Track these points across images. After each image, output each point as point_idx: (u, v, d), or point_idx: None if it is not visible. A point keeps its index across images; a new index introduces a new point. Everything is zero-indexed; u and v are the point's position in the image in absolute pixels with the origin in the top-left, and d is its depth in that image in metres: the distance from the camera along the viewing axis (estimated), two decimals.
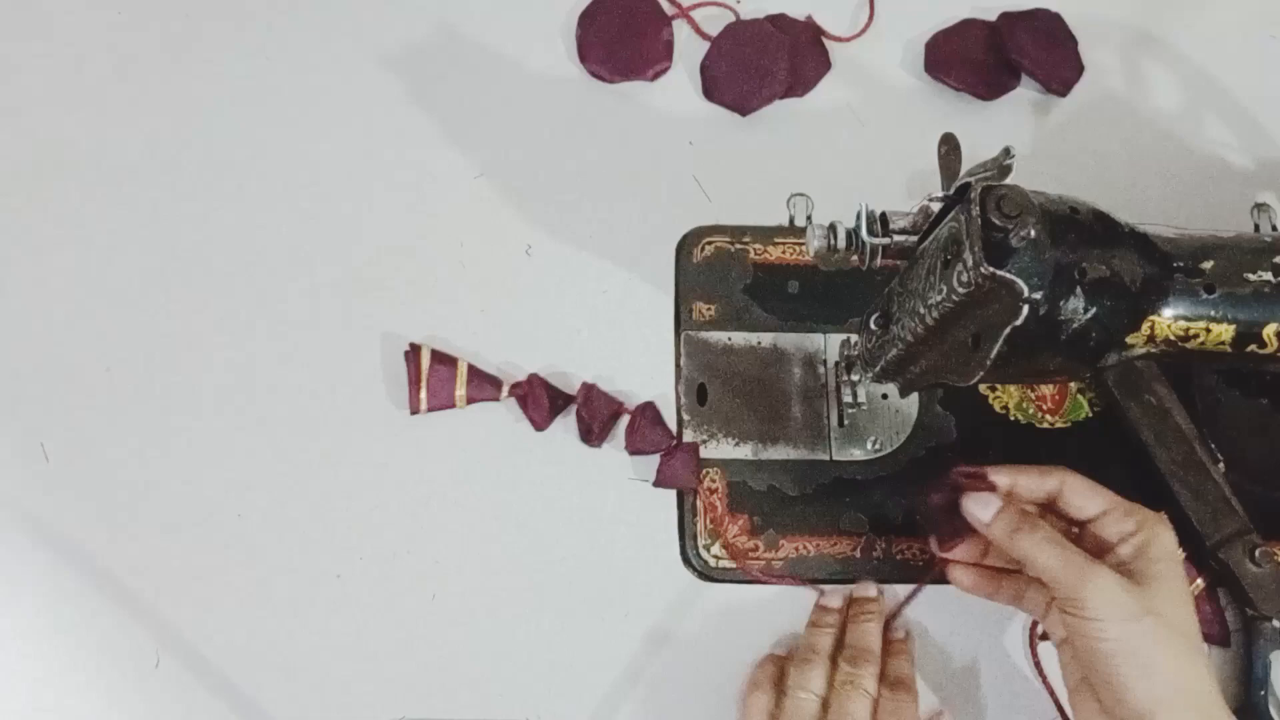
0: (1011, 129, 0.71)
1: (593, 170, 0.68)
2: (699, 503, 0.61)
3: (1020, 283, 0.42)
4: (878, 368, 0.55)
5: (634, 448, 0.61)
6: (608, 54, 0.71)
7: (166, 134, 0.69)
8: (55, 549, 0.60)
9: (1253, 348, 0.48)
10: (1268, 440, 0.61)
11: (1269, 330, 0.48)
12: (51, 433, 0.62)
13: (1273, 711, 0.57)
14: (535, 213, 0.67)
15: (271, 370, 0.63)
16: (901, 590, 0.60)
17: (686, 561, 0.60)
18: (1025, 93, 0.72)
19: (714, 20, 0.73)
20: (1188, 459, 0.59)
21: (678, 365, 0.64)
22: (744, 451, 0.62)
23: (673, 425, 0.62)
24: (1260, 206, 0.59)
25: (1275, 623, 0.58)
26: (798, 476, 0.62)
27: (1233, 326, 0.48)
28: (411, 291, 0.65)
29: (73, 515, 0.60)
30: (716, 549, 0.60)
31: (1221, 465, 0.60)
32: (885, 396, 0.63)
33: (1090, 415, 0.63)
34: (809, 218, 0.53)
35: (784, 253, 0.66)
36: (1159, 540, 0.50)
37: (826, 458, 0.62)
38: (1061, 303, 0.45)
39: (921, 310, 0.48)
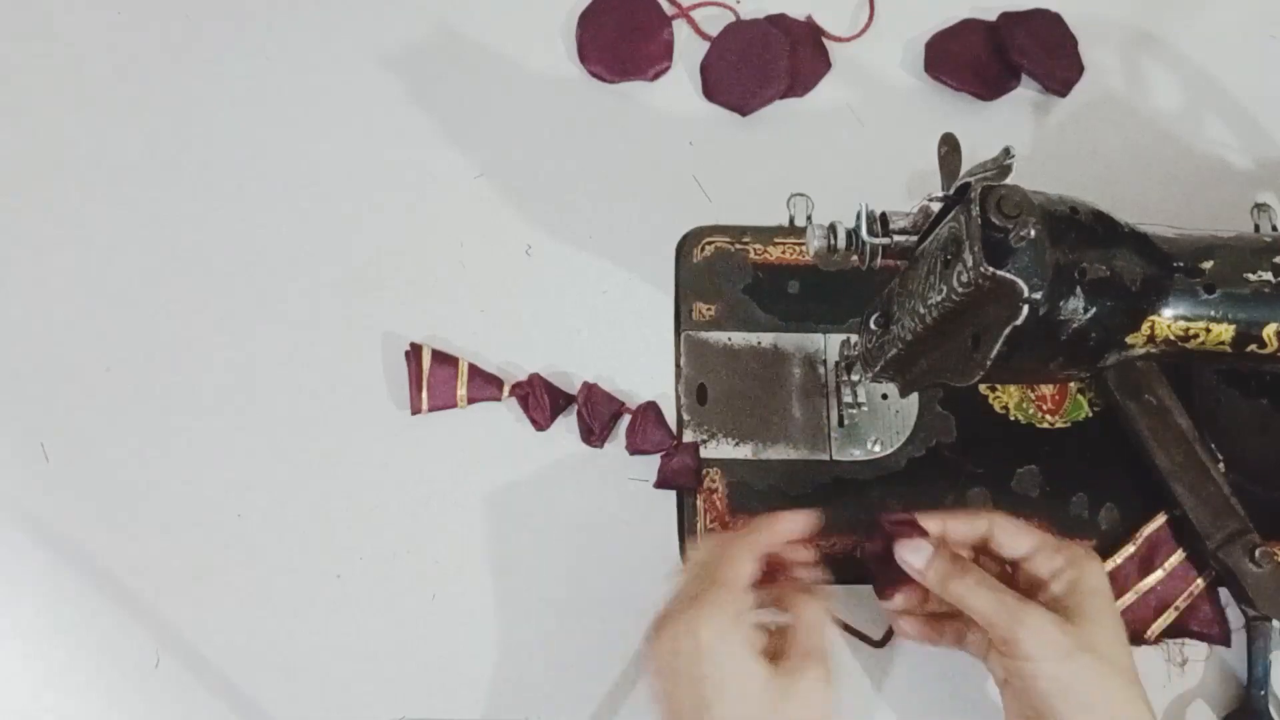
0: (1011, 129, 0.71)
1: (593, 170, 0.69)
2: (699, 503, 0.61)
3: (1020, 283, 0.42)
4: (878, 368, 0.55)
5: (635, 448, 0.61)
6: (608, 54, 0.71)
7: (166, 134, 0.69)
8: (55, 549, 0.60)
9: (1253, 348, 0.48)
10: (1268, 440, 0.61)
11: (1269, 330, 0.48)
12: (51, 433, 0.62)
13: (1273, 711, 0.57)
14: (535, 213, 0.67)
15: (271, 370, 0.63)
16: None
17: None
18: (1025, 93, 0.72)
19: (714, 20, 0.73)
20: (1188, 459, 0.59)
21: (678, 365, 0.64)
22: (744, 451, 0.62)
23: (673, 425, 0.62)
24: (1260, 206, 0.59)
25: (1275, 623, 0.58)
26: (798, 476, 0.62)
27: (1233, 326, 0.48)
28: (411, 291, 0.65)
29: (73, 515, 0.60)
30: None
31: (1221, 465, 0.60)
32: (885, 396, 0.63)
33: (1090, 415, 0.63)
34: (809, 218, 0.53)
35: (784, 253, 0.66)
36: (1089, 575, 0.50)
37: (826, 458, 0.62)
38: (1061, 303, 0.45)
39: (921, 310, 0.48)
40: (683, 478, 0.60)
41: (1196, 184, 0.70)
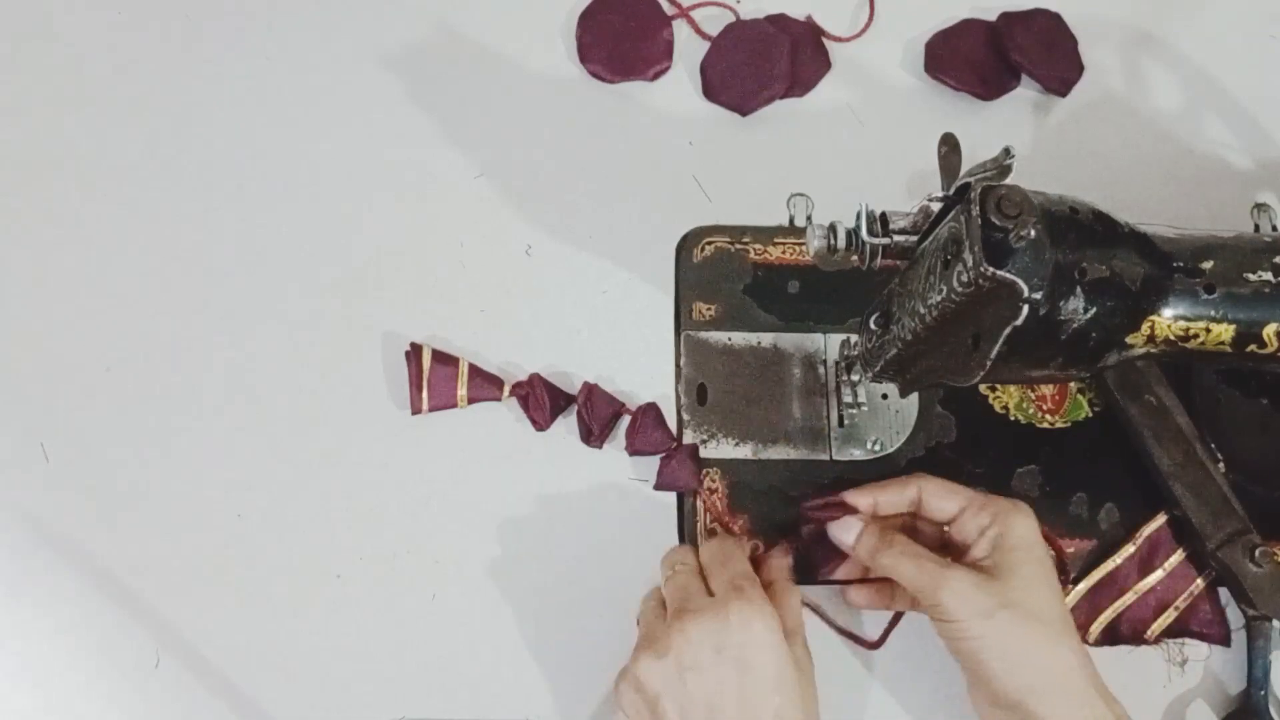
0: (1011, 129, 0.71)
1: (593, 170, 0.69)
2: (699, 503, 0.61)
3: (1020, 283, 0.42)
4: (878, 368, 0.55)
5: (634, 449, 0.61)
6: (608, 54, 0.71)
7: (166, 134, 0.69)
8: (55, 549, 0.60)
9: (1253, 348, 0.48)
10: (1268, 440, 0.61)
11: (1269, 330, 0.48)
12: (51, 433, 0.62)
13: (1273, 711, 0.57)
14: (535, 213, 0.67)
15: (271, 370, 0.63)
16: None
17: None
18: (1025, 93, 0.72)
19: (714, 20, 0.73)
20: (1188, 459, 0.59)
21: (678, 365, 0.64)
22: (744, 451, 0.62)
23: (673, 425, 0.62)
24: (1260, 206, 0.59)
25: (1275, 623, 0.58)
26: (798, 476, 0.61)
27: (1233, 326, 0.48)
28: (411, 291, 0.65)
29: (73, 515, 0.60)
30: None
31: (1221, 465, 0.60)
32: (885, 396, 0.63)
33: (1090, 415, 0.63)
34: (809, 218, 0.53)
35: (784, 253, 0.66)
36: (1014, 530, 0.51)
37: (826, 458, 0.62)
38: (1061, 303, 0.45)
39: (921, 310, 0.48)
40: (681, 481, 0.60)
41: (1196, 184, 0.70)
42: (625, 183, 0.68)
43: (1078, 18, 0.73)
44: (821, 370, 0.64)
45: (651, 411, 0.61)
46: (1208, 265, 0.48)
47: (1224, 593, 0.59)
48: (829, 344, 0.64)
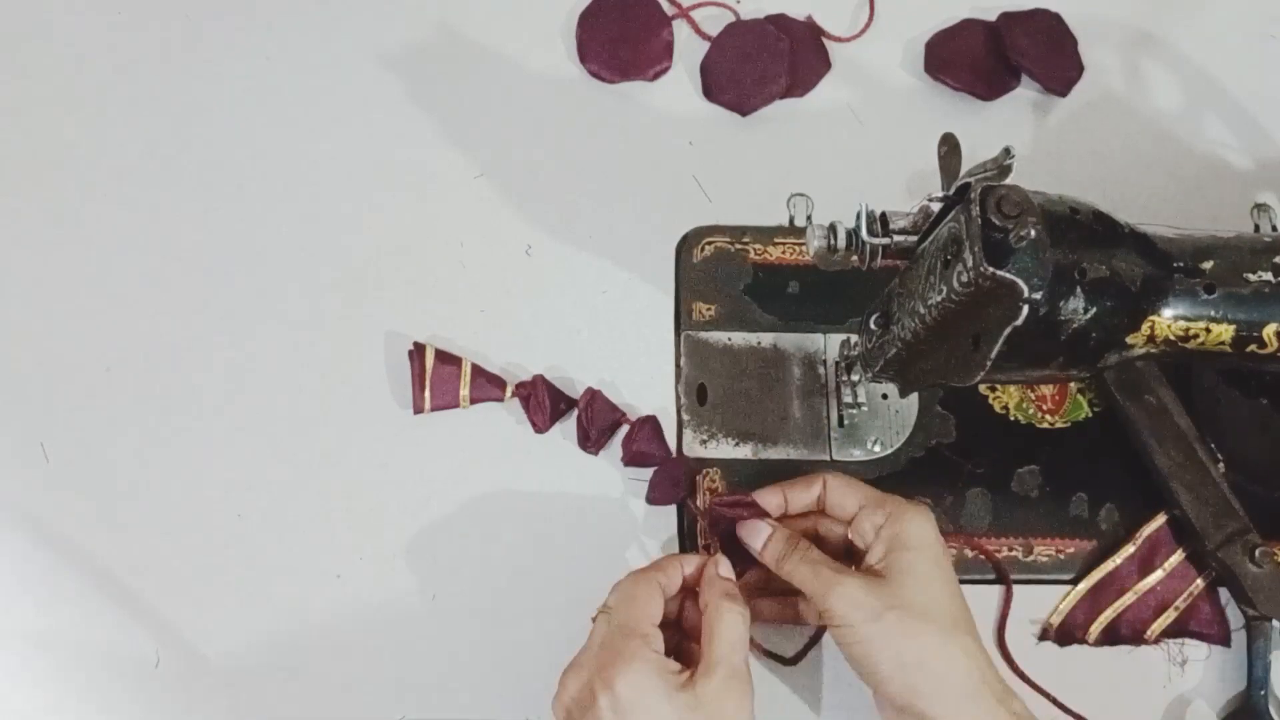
0: (1011, 129, 0.71)
1: (593, 170, 0.69)
2: (699, 503, 0.61)
3: (1020, 283, 0.42)
4: (878, 368, 0.55)
5: (629, 459, 0.61)
6: (608, 54, 0.71)
7: (166, 134, 0.69)
8: (55, 549, 0.60)
9: (1253, 348, 0.48)
10: (1268, 440, 0.61)
11: (1269, 330, 0.48)
12: (51, 433, 0.62)
13: (1273, 711, 0.57)
14: (535, 213, 0.67)
15: (271, 370, 0.63)
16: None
17: None
18: (1025, 93, 0.72)
19: (714, 20, 0.73)
20: (1188, 459, 0.59)
21: (678, 365, 0.64)
22: (744, 451, 0.62)
23: (673, 425, 0.62)
24: (1260, 206, 0.59)
25: (1275, 623, 0.58)
26: (799, 475, 0.61)
27: (1233, 326, 0.48)
28: (412, 292, 0.65)
29: (73, 515, 0.60)
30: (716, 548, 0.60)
31: (1221, 465, 0.60)
32: (885, 396, 0.63)
33: (1090, 415, 0.63)
34: (809, 218, 0.53)
35: (784, 253, 0.66)
36: (907, 529, 0.51)
37: (826, 458, 0.62)
38: (1061, 303, 0.45)
39: (921, 310, 0.48)
40: (667, 496, 0.60)
41: (1196, 184, 0.70)
42: (625, 183, 0.68)
43: (1078, 18, 0.73)
44: (821, 370, 0.64)
45: (649, 424, 0.61)
46: (1208, 265, 0.48)
47: (1224, 593, 0.59)
48: (829, 344, 0.64)
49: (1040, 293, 0.43)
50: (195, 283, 0.65)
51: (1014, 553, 0.60)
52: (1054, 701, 0.57)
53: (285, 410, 0.63)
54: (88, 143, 0.68)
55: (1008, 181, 0.44)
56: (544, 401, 0.61)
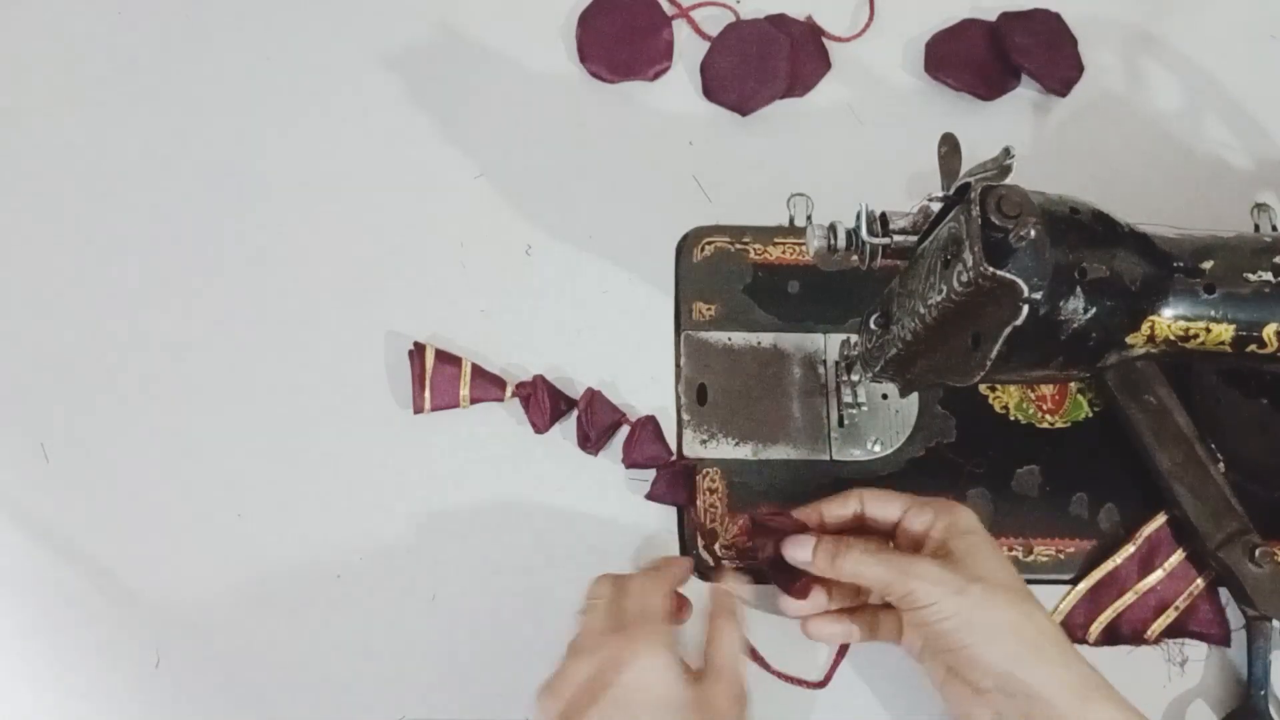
0: (1011, 129, 0.71)
1: (593, 170, 0.69)
2: (699, 503, 0.61)
3: (1020, 283, 0.42)
4: (878, 368, 0.55)
5: (631, 461, 0.61)
6: (608, 54, 0.71)
7: (166, 134, 0.69)
8: (55, 549, 0.60)
9: (1253, 348, 0.48)
10: (1268, 440, 0.61)
11: (1269, 330, 0.48)
12: (51, 433, 0.62)
13: (1273, 711, 0.57)
14: (535, 213, 0.67)
15: (271, 370, 0.63)
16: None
17: None
18: (1025, 93, 0.72)
19: (714, 20, 0.73)
20: (1188, 459, 0.59)
21: (678, 365, 0.64)
22: (744, 451, 0.62)
23: (673, 426, 0.62)
24: (1260, 206, 0.59)
25: (1275, 623, 0.58)
26: (798, 476, 0.61)
27: (1233, 326, 0.48)
28: (412, 291, 0.65)
29: (73, 515, 0.60)
30: (716, 549, 0.60)
31: (1221, 465, 0.60)
32: (885, 396, 0.63)
33: (1090, 415, 0.63)
34: (809, 218, 0.53)
35: (784, 253, 0.66)
36: (958, 520, 0.52)
37: (826, 458, 0.62)
38: (1061, 303, 0.45)
39: (921, 310, 0.48)
40: (672, 497, 0.60)
41: (1196, 184, 0.70)
42: (625, 183, 0.68)
43: (1078, 18, 0.73)
44: (821, 370, 0.64)
45: (649, 425, 0.61)
46: (1208, 265, 0.48)
47: (1224, 593, 0.59)
48: (829, 344, 0.64)
49: (1040, 293, 0.43)
50: (195, 283, 0.65)
51: (1014, 553, 0.60)
52: None
53: (285, 410, 0.63)
54: (88, 143, 0.68)
55: (1008, 181, 0.44)
56: (544, 402, 0.61)
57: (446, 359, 0.62)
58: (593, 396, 0.61)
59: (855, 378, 0.61)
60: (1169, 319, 0.48)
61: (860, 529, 0.55)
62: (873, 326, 0.55)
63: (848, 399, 0.62)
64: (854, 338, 0.60)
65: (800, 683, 0.58)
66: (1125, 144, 0.71)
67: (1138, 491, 0.61)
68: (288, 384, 0.63)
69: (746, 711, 0.49)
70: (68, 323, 0.64)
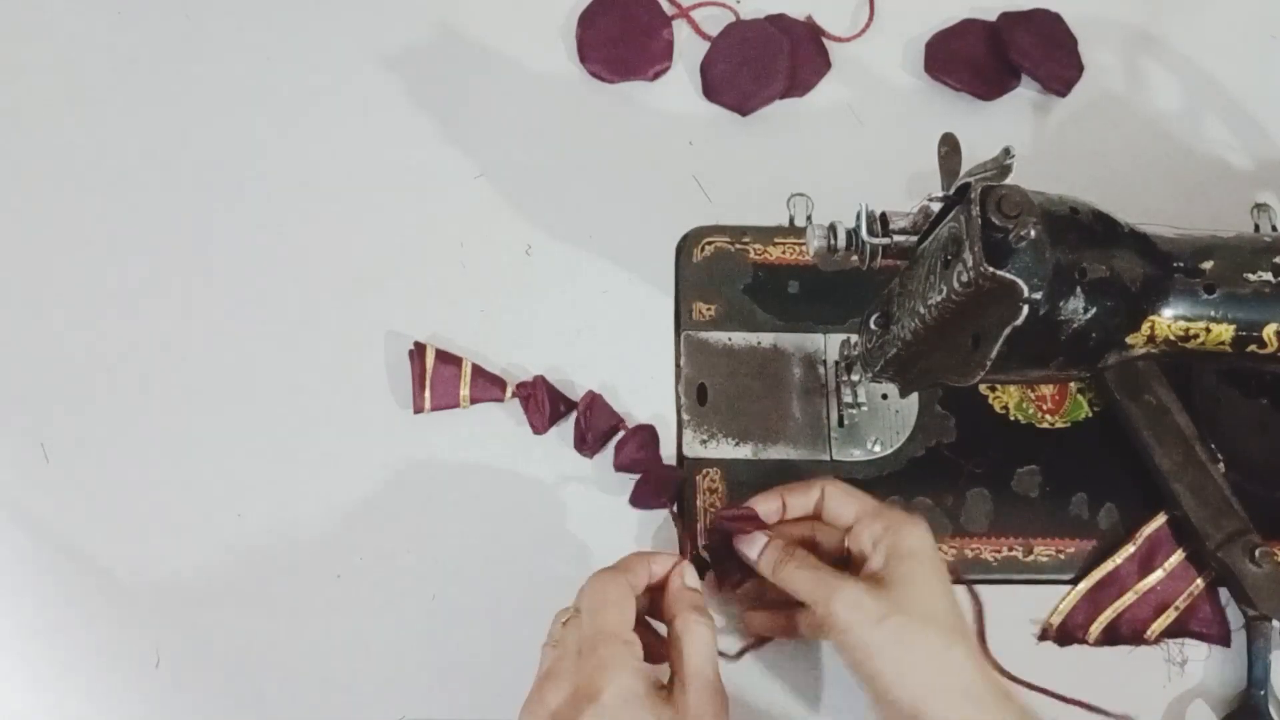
0: (1011, 129, 0.71)
1: (593, 170, 0.69)
2: (699, 503, 0.61)
3: (1020, 283, 0.42)
4: (878, 368, 0.55)
5: (619, 465, 0.61)
6: (608, 54, 0.71)
7: (166, 134, 0.69)
8: (55, 549, 0.60)
9: (1253, 348, 0.48)
10: (1268, 440, 0.61)
11: (1269, 330, 0.48)
12: (51, 433, 0.62)
13: (1273, 711, 0.57)
14: (535, 213, 0.67)
15: (271, 370, 0.63)
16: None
17: None
18: (1025, 93, 0.72)
19: (714, 20, 0.73)
20: (1188, 459, 0.59)
21: (678, 365, 0.64)
22: (744, 451, 0.62)
23: (673, 426, 0.62)
24: (1260, 206, 0.59)
25: (1275, 623, 0.58)
26: (798, 476, 0.61)
27: (1233, 326, 0.48)
28: (412, 292, 0.65)
29: (73, 515, 0.60)
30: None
31: (1221, 465, 0.60)
32: (885, 396, 0.63)
33: (1090, 415, 0.63)
34: (809, 218, 0.53)
35: (784, 253, 0.66)
36: (906, 539, 0.51)
37: (826, 458, 0.62)
38: (1061, 303, 0.45)
39: (921, 310, 0.48)
40: (650, 503, 0.60)
41: (1196, 184, 0.70)
42: (625, 183, 0.68)
43: (1078, 18, 0.73)
44: (821, 370, 0.64)
45: (642, 433, 0.61)
46: (1208, 265, 0.48)
47: (1224, 593, 0.59)
48: (829, 344, 0.64)
49: (1040, 293, 0.43)
50: (195, 283, 0.65)
51: (1014, 553, 0.60)
52: (1045, 692, 0.57)
53: (285, 410, 0.62)
54: (88, 143, 0.68)
55: (1008, 181, 0.44)
56: (543, 403, 0.61)
57: (447, 359, 0.62)
58: (593, 400, 0.61)
59: (855, 378, 0.61)
60: (1169, 319, 0.48)
61: (819, 525, 0.55)
62: (873, 326, 0.55)
63: (848, 399, 0.62)
64: (854, 338, 0.60)
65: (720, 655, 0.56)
66: (1125, 144, 0.71)
67: (1138, 491, 0.61)
68: (288, 384, 0.63)
69: (726, 713, 0.48)
70: (68, 323, 0.64)
